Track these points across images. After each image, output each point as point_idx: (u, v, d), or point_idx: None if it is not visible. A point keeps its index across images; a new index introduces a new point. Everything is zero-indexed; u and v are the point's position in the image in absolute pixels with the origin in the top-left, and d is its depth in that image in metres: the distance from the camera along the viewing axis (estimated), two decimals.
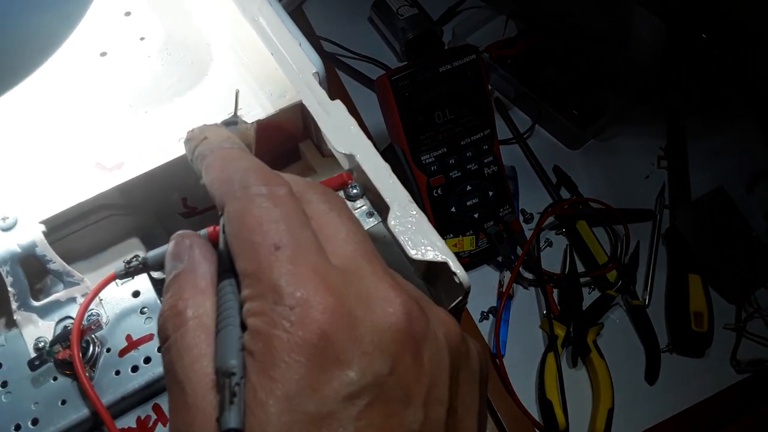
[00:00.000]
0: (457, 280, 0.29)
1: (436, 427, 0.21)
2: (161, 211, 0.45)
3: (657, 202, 0.77)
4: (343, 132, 0.35)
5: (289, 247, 0.21)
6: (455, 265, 0.30)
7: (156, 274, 0.39)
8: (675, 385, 0.66)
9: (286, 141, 0.46)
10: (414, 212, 0.32)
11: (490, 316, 0.69)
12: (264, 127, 0.41)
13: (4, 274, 0.35)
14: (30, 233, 0.36)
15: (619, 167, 0.81)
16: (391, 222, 0.31)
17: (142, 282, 0.38)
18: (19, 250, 0.36)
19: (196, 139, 0.28)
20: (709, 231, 0.72)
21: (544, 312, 0.69)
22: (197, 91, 0.42)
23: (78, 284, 0.37)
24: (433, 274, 0.34)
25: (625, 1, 0.75)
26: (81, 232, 0.41)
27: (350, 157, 0.34)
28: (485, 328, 0.69)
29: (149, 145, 0.39)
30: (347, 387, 0.19)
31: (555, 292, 0.71)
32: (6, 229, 0.36)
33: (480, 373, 0.24)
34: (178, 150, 0.39)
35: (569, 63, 0.82)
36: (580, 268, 0.72)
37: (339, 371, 0.19)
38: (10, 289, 0.36)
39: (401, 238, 0.31)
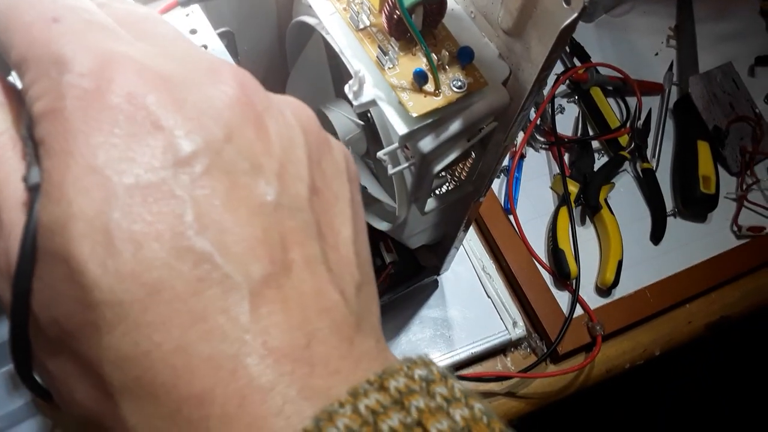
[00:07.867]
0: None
1: (296, 200, 0.18)
2: None
3: (666, 77, 0.76)
4: None
5: (72, 16, 0.17)
6: None
7: None
8: (678, 246, 0.67)
9: None
10: None
11: (502, 174, 0.68)
12: None
13: None
14: None
15: (629, 43, 0.80)
16: None
17: None
18: None
19: None
20: (718, 101, 0.73)
21: (556, 173, 0.68)
22: None
23: None
24: (524, 22, 0.32)
25: None
26: None
27: None
28: (497, 186, 0.68)
29: None
30: (172, 152, 0.16)
31: (566, 156, 0.70)
32: None
33: (347, 169, 0.21)
34: None
35: None
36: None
37: (157, 135, 0.16)
38: None
39: None
